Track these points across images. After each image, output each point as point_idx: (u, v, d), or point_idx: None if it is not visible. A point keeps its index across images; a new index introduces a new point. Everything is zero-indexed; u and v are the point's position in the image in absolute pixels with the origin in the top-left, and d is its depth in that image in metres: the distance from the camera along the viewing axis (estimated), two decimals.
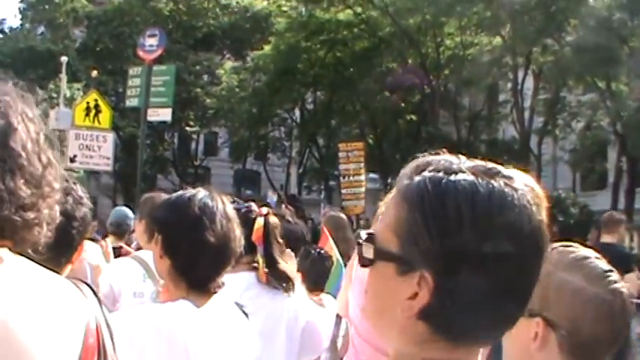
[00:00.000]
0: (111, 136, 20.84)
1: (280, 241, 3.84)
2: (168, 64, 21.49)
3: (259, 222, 3.79)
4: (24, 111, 1.72)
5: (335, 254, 6.29)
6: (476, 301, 1.32)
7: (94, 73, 34.66)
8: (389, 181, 38.85)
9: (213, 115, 44.01)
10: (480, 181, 1.35)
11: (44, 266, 2.29)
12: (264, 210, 3.90)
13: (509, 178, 1.37)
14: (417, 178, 1.39)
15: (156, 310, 2.71)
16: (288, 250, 4.70)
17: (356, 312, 3.61)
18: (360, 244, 1.44)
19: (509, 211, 1.33)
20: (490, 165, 1.41)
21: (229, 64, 42.21)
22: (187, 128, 45.24)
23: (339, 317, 5.07)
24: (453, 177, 1.36)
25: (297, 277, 4.18)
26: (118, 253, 7.01)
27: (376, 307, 1.45)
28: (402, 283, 1.36)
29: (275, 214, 3.96)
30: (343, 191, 18.62)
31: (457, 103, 36.81)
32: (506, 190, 1.35)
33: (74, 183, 2.68)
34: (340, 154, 19.52)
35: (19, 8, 46.96)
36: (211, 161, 53.61)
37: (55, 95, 33.97)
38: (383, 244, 1.40)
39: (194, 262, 2.75)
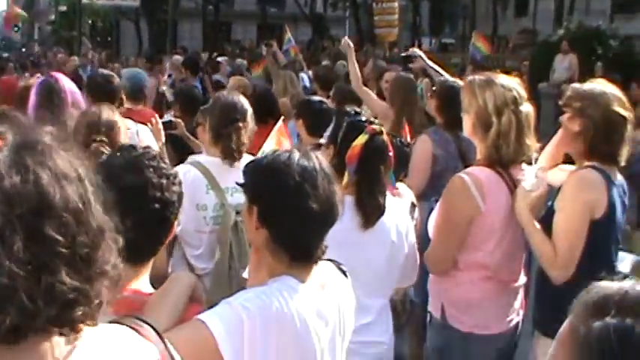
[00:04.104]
0: None
1: (381, 169, 3.61)
2: None
3: (361, 138, 3.57)
4: (62, 171, 1.39)
5: None
6: None
7: None
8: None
9: None
10: None
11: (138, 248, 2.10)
12: (377, 128, 3.66)
13: None
14: (597, 325, 1.13)
15: (259, 295, 2.47)
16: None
17: None
18: None
19: None
20: None
21: None
22: None
23: (413, 206, 4.89)
24: None
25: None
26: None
27: None
28: None
29: None
30: (376, 18, 18.03)
31: None
32: None
33: (161, 158, 2.46)
34: None
35: None
36: None
37: None
38: None
39: (297, 233, 2.52)
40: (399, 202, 4.02)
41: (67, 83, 4.86)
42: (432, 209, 4.19)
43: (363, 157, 3.54)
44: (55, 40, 52.98)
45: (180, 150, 6.20)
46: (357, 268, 3.22)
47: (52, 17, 57.52)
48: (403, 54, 7.54)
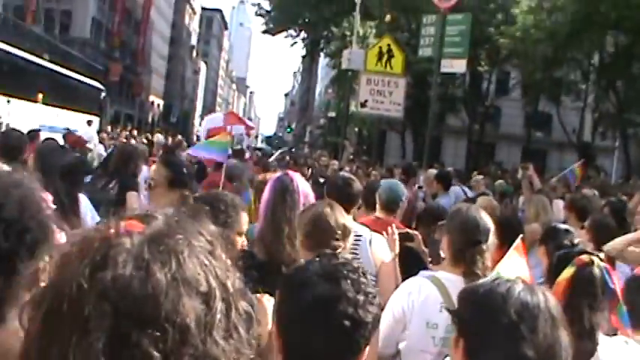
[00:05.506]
0: (403, 82, 20.68)
1: (588, 306, 3.28)
2: (463, 12, 20.54)
3: (566, 272, 3.25)
4: (187, 278, 1.16)
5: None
6: None
7: (388, 17, 34.55)
8: None
9: (507, 56, 42.82)
10: None
11: None
12: (586, 258, 3.35)
13: None
14: None
15: None
16: None
17: None
18: None
19: None
20: None
21: (525, 2, 40.35)
22: (479, 67, 44.26)
23: None
24: None
25: None
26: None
27: None
28: None
29: None
30: None
31: None
32: None
33: (358, 270, 2.23)
34: None
35: None
36: (502, 101, 52.78)
37: (348, 33, 34.46)
38: None
39: None
40: (633, 347, 3.54)
41: (301, 184, 4.85)
42: None
43: (569, 293, 3.18)
44: (322, 144, 55.27)
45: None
46: None
47: (322, 122, 60.20)
48: None
